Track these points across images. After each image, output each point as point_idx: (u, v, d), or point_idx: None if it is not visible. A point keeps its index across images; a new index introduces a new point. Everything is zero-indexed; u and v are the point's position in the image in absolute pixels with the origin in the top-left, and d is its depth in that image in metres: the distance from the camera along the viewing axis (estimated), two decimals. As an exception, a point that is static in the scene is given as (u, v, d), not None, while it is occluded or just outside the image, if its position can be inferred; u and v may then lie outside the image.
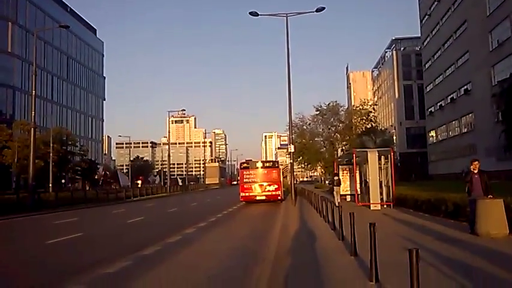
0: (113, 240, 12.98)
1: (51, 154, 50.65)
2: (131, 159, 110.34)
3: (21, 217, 21.58)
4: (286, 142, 51.19)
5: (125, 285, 7.00)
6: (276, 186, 27.41)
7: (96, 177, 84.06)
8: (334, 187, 23.36)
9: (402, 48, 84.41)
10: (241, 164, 30.36)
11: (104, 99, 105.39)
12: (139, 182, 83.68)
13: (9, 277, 8.05)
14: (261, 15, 25.73)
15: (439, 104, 60.36)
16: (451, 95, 55.15)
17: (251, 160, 30.60)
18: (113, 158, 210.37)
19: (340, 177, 25.99)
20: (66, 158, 66.42)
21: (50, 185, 48.48)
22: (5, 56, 66.78)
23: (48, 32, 75.68)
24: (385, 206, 18.85)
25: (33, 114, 27.47)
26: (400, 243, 9.04)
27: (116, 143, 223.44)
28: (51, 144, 51.87)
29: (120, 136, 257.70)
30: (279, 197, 27.54)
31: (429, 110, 65.23)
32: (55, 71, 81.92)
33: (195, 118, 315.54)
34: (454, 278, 6.12)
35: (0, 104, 66.84)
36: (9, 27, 67.97)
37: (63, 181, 68.62)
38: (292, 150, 26.80)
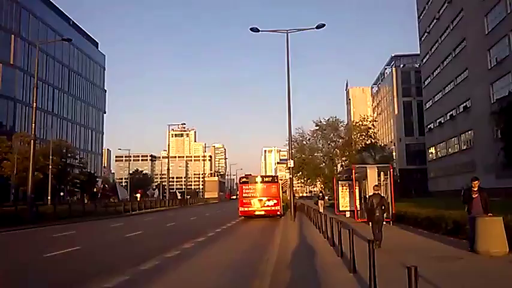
0: (110, 254, 12.92)
1: (50, 166, 50.61)
2: (130, 172, 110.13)
3: (19, 230, 21.46)
4: (286, 157, 51.14)
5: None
6: (275, 201, 27.32)
7: (95, 190, 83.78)
8: (319, 200, 30.31)
9: (402, 65, 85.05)
10: (240, 178, 30.27)
11: (105, 112, 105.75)
12: (138, 195, 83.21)
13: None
14: (261, 31, 25.99)
15: (438, 120, 60.57)
16: (451, 112, 55.38)
17: (250, 175, 30.50)
18: (112, 171, 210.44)
19: (340, 193, 26.38)
20: (66, 170, 66.33)
21: (49, 197, 48.33)
22: (7, 68, 67.16)
23: (50, 45, 76.28)
24: (384, 222, 18.76)
25: (33, 127, 27.51)
26: (400, 259, 9.00)
27: (116, 156, 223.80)
28: (50, 157, 51.86)
29: (119, 149, 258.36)
30: (278, 212, 27.42)
31: (428, 126, 65.42)
32: (56, 83, 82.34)
33: (195, 132, 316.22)
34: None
35: (1, 116, 66.95)
36: (12, 40, 68.51)
37: (62, 194, 68.36)
38: (292, 165, 26.80)
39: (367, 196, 11.80)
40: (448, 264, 8.86)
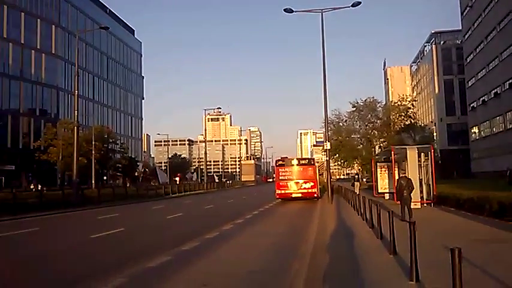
0: (153, 236, 13.33)
1: (93, 152, 52.32)
2: (169, 156, 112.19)
3: (66, 212, 22.52)
4: (322, 139, 50.67)
5: (165, 279, 7.16)
6: (312, 183, 27.18)
7: (136, 174, 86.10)
8: (355, 182, 30.93)
9: (442, 42, 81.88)
10: (276, 161, 30.28)
11: (143, 98, 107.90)
12: (177, 179, 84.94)
13: (57, 268, 8.45)
14: (295, 11, 25.61)
15: (481, 99, 58.21)
16: (495, 90, 53.04)
17: (286, 157, 30.45)
18: (152, 156, 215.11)
19: (378, 175, 26.17)
20: (108, 155, 68.38)
21: (93, 181, 50.10)
22: (49, 57, 69.47)
23: (89, 34, 78.10)
24: (425, 204, 18.40)
25: (76, 114, 28.61)
26: (442, 242, 8.82)
27: (155, 141, 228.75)
28: (93, 142, 53.57)
29: (158, 134, 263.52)
30: (315, 195, 27.32)
31: (471, 105, 63.01)
32: (96, 71, 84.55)
33: (230, 116, 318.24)
34: (498, 279, 5.93)
35: (46, 104, 69.65)
36: (53, 30, 70.67)
37: (105, 178, 70.79)
38: (328, 147, 26.51)
39: (397, 179, 14.85)
40: (493, 246, 8.61)
